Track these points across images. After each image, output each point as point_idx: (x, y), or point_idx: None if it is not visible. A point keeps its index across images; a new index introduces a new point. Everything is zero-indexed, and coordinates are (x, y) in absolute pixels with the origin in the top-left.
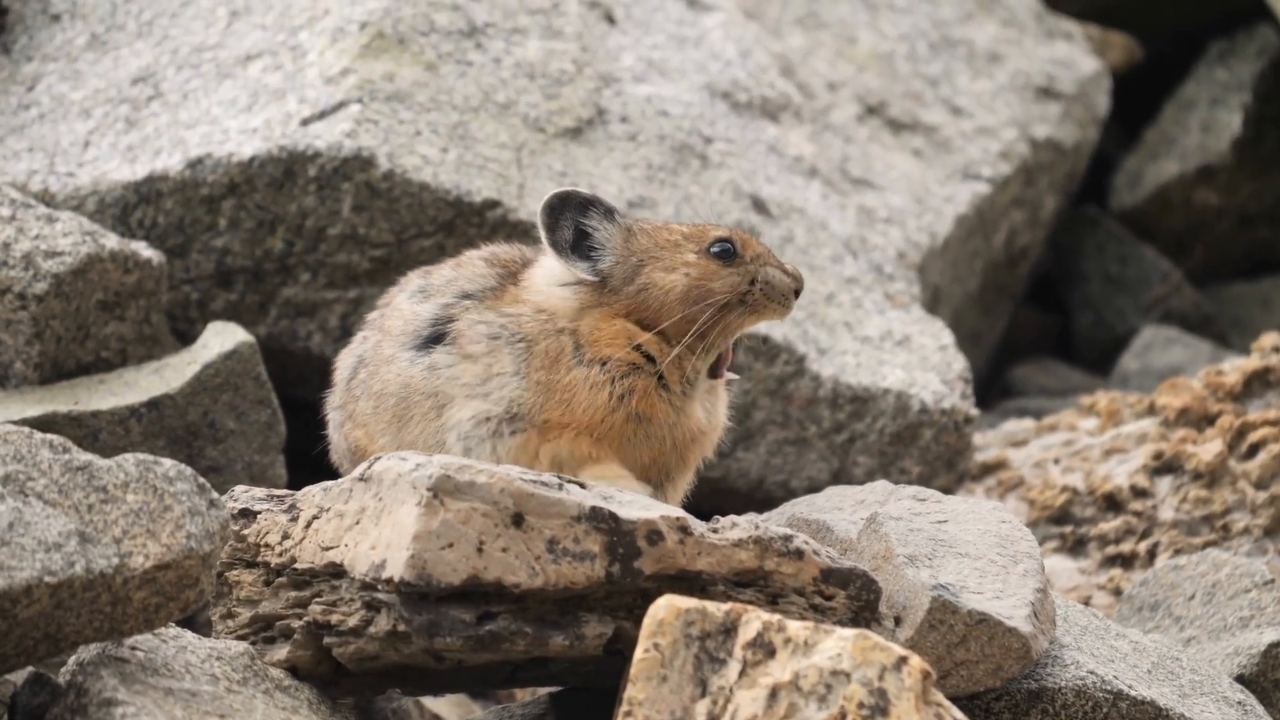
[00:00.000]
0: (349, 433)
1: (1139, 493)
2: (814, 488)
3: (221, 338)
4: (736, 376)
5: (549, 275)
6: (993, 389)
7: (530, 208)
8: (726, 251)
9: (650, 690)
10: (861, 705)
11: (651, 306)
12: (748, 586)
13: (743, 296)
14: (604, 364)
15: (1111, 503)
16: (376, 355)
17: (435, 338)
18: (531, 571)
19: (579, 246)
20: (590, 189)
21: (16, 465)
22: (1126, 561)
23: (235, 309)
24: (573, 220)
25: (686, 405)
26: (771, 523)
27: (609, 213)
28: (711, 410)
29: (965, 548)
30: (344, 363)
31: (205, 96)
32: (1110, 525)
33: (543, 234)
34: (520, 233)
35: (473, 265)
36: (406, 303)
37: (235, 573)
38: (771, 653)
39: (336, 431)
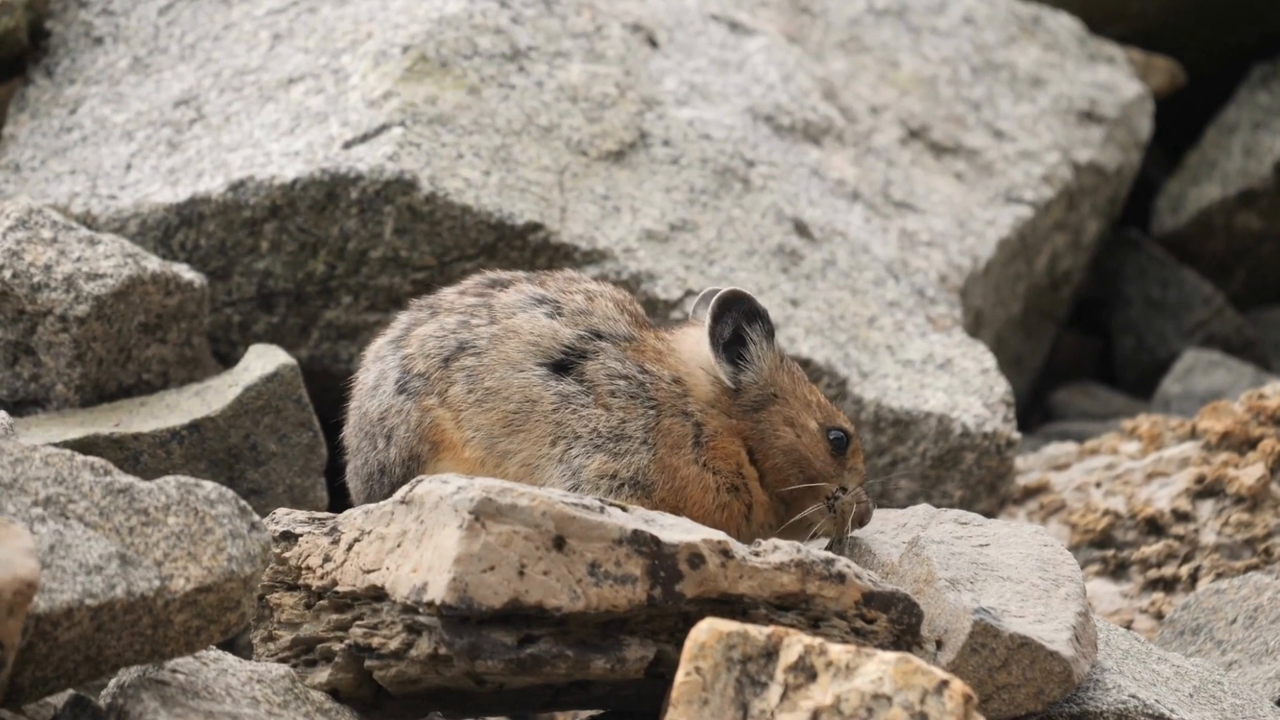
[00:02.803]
0: (431, 407)
1: (1181, 516)
2: None
3: (263, 360)
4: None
5: (696, 351)
6: (1034, 412)
7: (573, 231)
8: (839, 443)
9: (691, 713)
10: None
11: (764, 441)
12: (789, 610)
13: (833, 494)
14: (716, 473)
15: (1153, 526)
16: (497, 353)
17: (564, 365)
18: (573, 594)
19: (730, 347)
20: (633, 212)
21: (58, 488)
22: (1168, 585)
23: (277, 331)
24: (735, 321)
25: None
26: (813, 546)
27: (770, 333)
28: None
29: (1007, 571)
30: (429, 332)
31: (247, 119)
32: (1152, 549)
33: (708, 323)
34: (562, 256)
35: (604, 304)
36: (539, 313)
37: (276, 595)
38: (813, 676)
39: (407, 400)
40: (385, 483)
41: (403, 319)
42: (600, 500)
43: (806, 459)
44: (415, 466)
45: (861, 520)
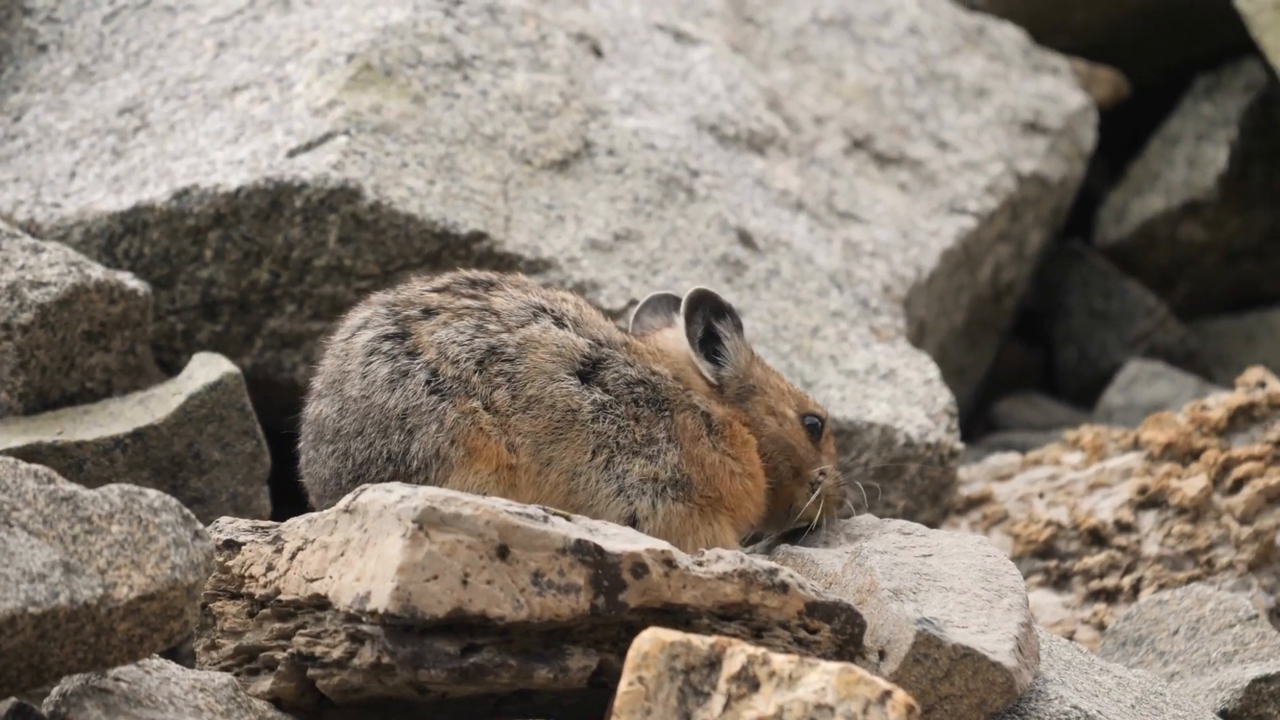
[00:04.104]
0: (473, 410)
1: (1123, 527)
2: None
3: (207, 369)
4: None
5: (679, 349)
6: (977, 423)
7: (517, 240)
8: (814, 429)
9: None
10: None
11: (757, 432)
12: (733, 620)
13: (815, 477)
14: (735, 459)
15: (1096, 537)
16: (530, 362)
17: (586, 375)
18: (516, 604)
19: (706, 344)
20: (577, 222)
21: (1, 495)
22: (1110, 596)
23: (220, 340)
24: (704, 319)
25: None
26: (757, 556)
27: (739, 327)
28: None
29: (950, 582)
30: (447, 336)
31: (192, 128)
32: (1094, 560)
33: (683, 324)
34: (506, 265)
35: (589, 312)
36: (548, 323)
37: (219, 604)
38: (756, 686)
39: (442, 400)
40: (389, 471)
41: (378, 310)
42: (544, 509)
43: (791, 446)
44: (438, 466)
45: (842, 502)
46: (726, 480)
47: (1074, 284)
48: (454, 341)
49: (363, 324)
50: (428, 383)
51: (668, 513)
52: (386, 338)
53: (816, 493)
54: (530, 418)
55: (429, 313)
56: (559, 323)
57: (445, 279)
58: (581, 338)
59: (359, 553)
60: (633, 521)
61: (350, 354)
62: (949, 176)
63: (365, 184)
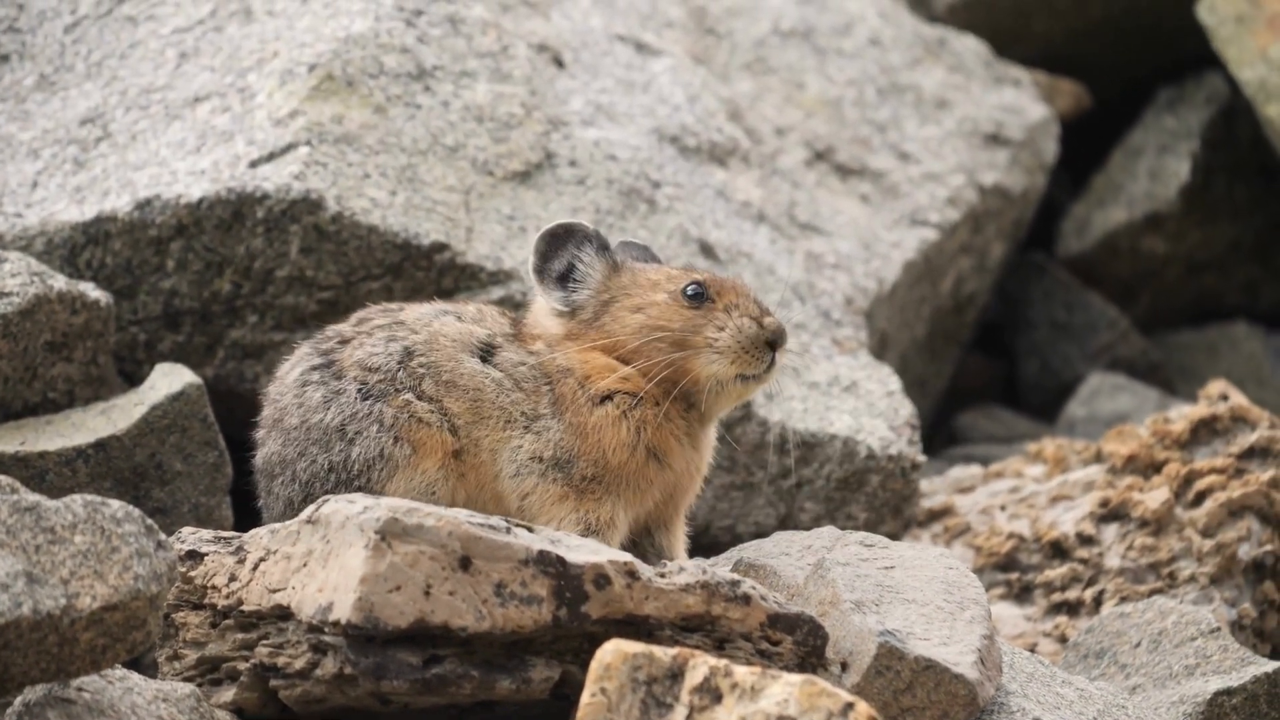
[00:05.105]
0: (407, 403)
1: (1085, 540)
2: (761, 533)
3: (169, 379)
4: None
5: (541, 306)
6: (939, 435)
7: (479, 251)
8: (697, 294)
9: None
10: None
11: (615, 336)
12: (695, 631)
13: (709, 340)
14: (610, 398)
15: (1058, 550)
16: (439, 352)
17: (484, 358)
18: (479, 615)
19: (567, 279)
20: (538, 233)
21: None
22: (1072, 609)
23: (183, 350)
24: (571, 254)
25: (695, 441)
26: (719, 568)
27: (603, 248)
28: (697, 455)
29: (912, 594)
30: (364, 353)
31: (154, 138)
32: (1056, 572)
33: (531, 258)
34: (468, 275)
35: (490, 311)
36: (449, 319)
37: (182, 614)
38: (718, 698)
39: (375, 403)
40: (332, 480)
41: (303, 352)
42: (507, 520)
43: (660, 325)
44: (381, 466)
45: (770, 337)
46: (610, 435)
47: (1036, 296)
48: (372, 353)
49: (290, 367)
50: (359, 392)
51: (541, 494)
52: (314, 368)
53: (718, 350)
54: (454, 399)
55: (345, 342)
56: (459, 319)
57: (358, 314)
58: (480, 328)
59: (321, 563)
60: (523, 497)
61: (283, 392)
62: (910, 188)
63: (327, 195)
